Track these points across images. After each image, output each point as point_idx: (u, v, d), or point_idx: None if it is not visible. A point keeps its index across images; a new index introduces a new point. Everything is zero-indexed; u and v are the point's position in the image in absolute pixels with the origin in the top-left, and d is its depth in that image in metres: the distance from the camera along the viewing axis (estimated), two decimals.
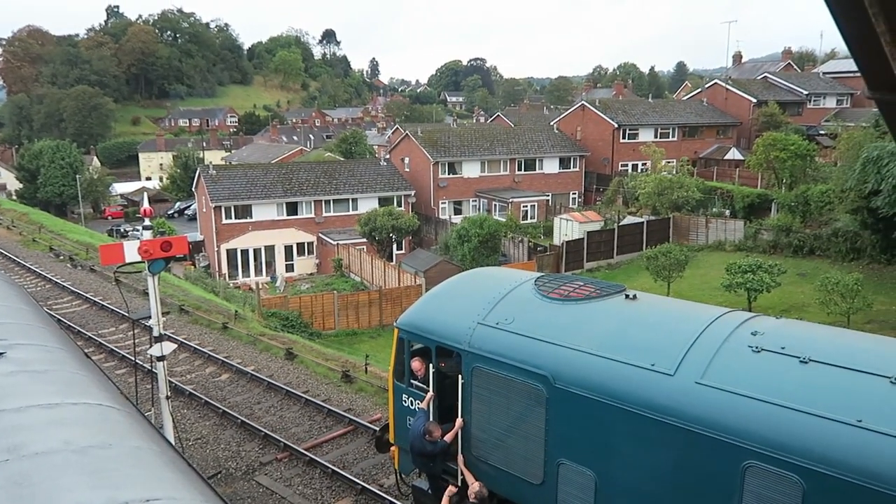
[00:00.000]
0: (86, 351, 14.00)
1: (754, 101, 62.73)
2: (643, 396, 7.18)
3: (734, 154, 58.25)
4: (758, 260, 30.23)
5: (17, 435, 4.62)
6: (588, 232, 41.81)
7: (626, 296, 8.78)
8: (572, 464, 7.86)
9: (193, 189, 54.56)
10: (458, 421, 8.99)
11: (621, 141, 58.44)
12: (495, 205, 52.57)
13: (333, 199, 48.79)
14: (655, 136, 59.13)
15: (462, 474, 9.03)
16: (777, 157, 44.20)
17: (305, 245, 47.98)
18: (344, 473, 12.44)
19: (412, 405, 9.77)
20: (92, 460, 4.53)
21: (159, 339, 10.20)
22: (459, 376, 8.94)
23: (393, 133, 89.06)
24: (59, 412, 5.29)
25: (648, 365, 7.32)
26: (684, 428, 6.81)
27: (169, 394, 10.42)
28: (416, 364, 9.76)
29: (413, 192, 51.33)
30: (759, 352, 6.98)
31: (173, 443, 9.33)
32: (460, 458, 9.07)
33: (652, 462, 7.14)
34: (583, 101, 63.96)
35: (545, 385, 8.00)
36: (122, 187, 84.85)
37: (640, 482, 7.28)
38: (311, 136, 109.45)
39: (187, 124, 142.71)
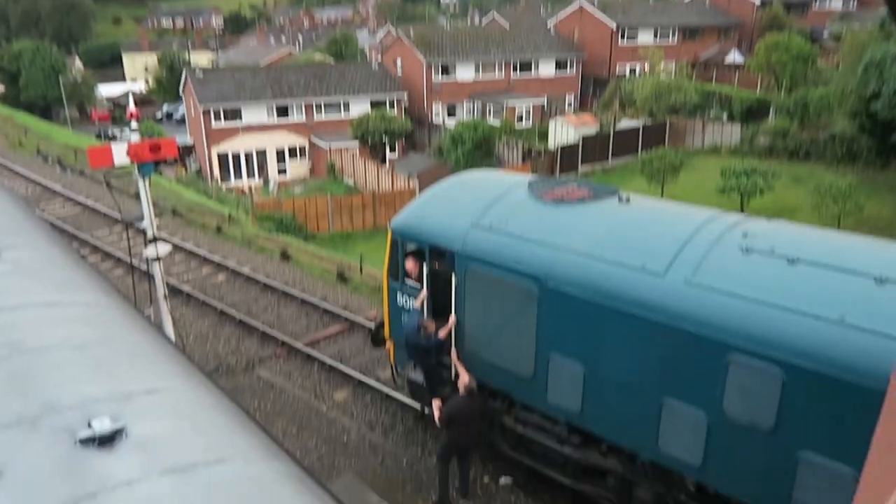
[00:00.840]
0: (82, 253, 14.08)
1: (758, 1, 60.47)
2: (634, 295, 7.35)
3: (735, 57, 56.76)
4: (753, 164, 30.13)
5: (15, 332, 4.67)
6: (583, 136, 41.31)
7: (620, 198, 8.81)
8: (563, 358, 8.12)
9: (181, 92, 53.18)
10: (452, 318, 9.21)
11: (620, 43, 56.67)
12: (490, 108, 51.59)
13: (325, 103, 47.74)
14: (655, 38, 57.34)
15: (455, 367, 9.34)
16: (778, 60, 43.15)
17: (297, 149, 47.37)
18: (341, 367, 12.85)
19: (406, 304, 9.97)
20: (92, 355, 4.59)
21: (153, 240, 10.22)
22: (453, 276, 9.08)
23: (385, 35, 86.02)
24: (57, 310, 5.33)
25: (639, 265, 7.44)
26: (672, 325, 7.00)
27: (166, 293, 10.56)
28: (410, 264, 9.90)
29: (406, 95, 50.21)
30: (748, 252, 7.08)
31: (173, 340, 9.54)
32: (453, 352, 9.35)
33: (640, 356, 7.39)
34: (581, 2, 61.49)
35: (537, 285, 8.14)
36: (107, 90, 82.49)
37: (627, 375, 7.56)
38: (299, 37, 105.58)
39: (171, 24, 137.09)
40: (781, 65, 43.29)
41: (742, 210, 27.59)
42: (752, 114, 43.55)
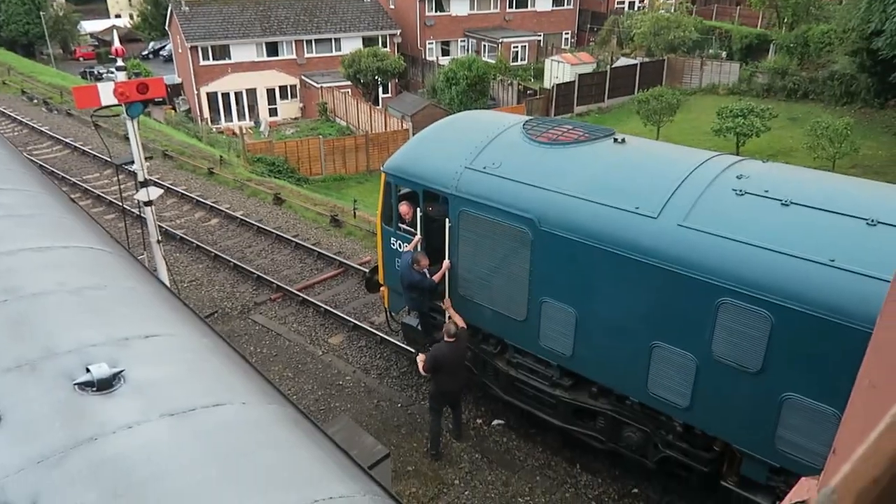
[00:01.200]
0: (72, 196, 13.94)
1: None
2: (626, 238, 7.35)
3: None
4: (750, 104, 29.80)
5: (11, 277, 4.66)
6: (580, 74, 40.64)
7: (615, 140, 8.72)
8: (555, 302, 8.19)
9: (167, 28, 51.73)
10: (445, 262, 9.24)
11: None
12: (484, 45, 50.48)
13: (315, 39, 46.57)
14: None
15: (448, 315, 9.43)
16: None
17: (288, 88, 46.47)
18: (336, 312, 12.97)
19: (400, 248, 9.98)
20: (88, 300, 4.60)
21: (145, 184, 10.13)
22: (447, 220, 9.06)
23: None
24: (50, 255, 5.31)
25: (633, 208, 7.42)
26: (664, 268, 7.05)
27: (160, 238, 10.54)
28: (403, 208, 9.85)
29: (399, 32, 49.00)
30: (742, 195, 7.06)
31: (168, 285, 9.57)
32: (447, 300, 9.40)
33: (631, 300, 7.46)
34: None
35: (531, 228, 8.14)
36: (90, 26, 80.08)
37: (618, 318, 7.65)
38: None
39: None
40: None
41: (738, 151, 27.44)
42: (752, 51, 42.79)
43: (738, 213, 6.93)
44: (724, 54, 43.46)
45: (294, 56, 46.17)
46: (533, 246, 8.19)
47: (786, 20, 43.64)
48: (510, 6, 52.97)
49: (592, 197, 7.77)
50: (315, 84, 44.26)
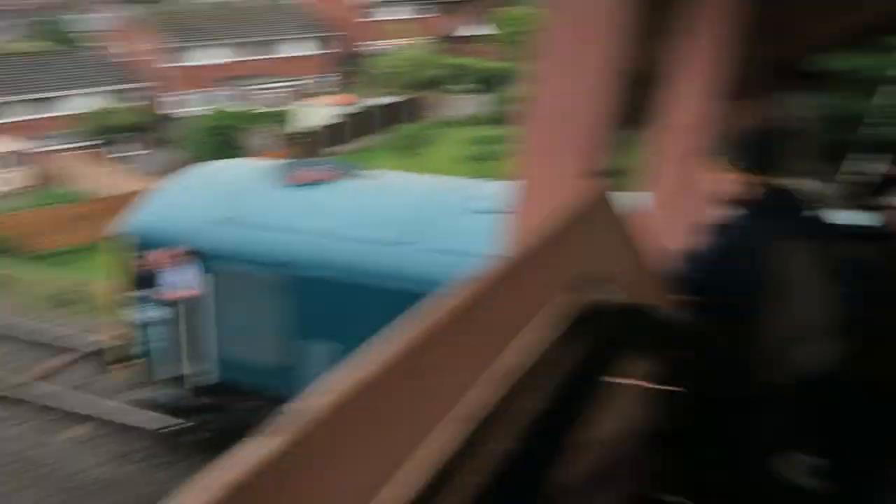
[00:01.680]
0: None
1: None
2: (380, 269, 7.71)
3: (483, 30, 60.09)
4: (496, 132, 32.37)
5: None
6: (333, 116, 41.37)
7: (364, 176, 9.20)
8: (317, 343, 8.10)
9: None
10: (190, 291, 8.52)
11: (369, 19, 57.13)
12: (235, 94, 49.23)
13: (41, 98, 42.14)
14: (410, 14, 58.31)
15: None
16: (512, 31, 47.04)
17: (11, 154, 41.11)
18: (72, 402, 11.40)
19: (148, 314, 9.06)
20: None
21: None
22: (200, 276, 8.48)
23: (114, 17, 77.79)
24: None
25: (384, 238, 7.90)
26: (417, 293, 7.05)
27: None
28: (147, 270, 8.91)
29: (140, 85, 46.11)
30: (477, 213, 7.47)
31: None
32: None
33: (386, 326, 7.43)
34: None
35: (284, 273, 8.09)
36: None
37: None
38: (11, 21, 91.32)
39: None
40: (516, 35, 47.08)
41: (487, 177, 29.48)
42: (495, 83, 46.79)
43: (473, 229, 7.36)
44: (471, 88, 47.12)
45: (21, 118, 41.29)
46: (288, 291, 8.11)
47: (521, 54, 48.44)
48: (259, 54, 52.41)
49: (344, 233, 8.07)
50: (44, 148, 39.88)
